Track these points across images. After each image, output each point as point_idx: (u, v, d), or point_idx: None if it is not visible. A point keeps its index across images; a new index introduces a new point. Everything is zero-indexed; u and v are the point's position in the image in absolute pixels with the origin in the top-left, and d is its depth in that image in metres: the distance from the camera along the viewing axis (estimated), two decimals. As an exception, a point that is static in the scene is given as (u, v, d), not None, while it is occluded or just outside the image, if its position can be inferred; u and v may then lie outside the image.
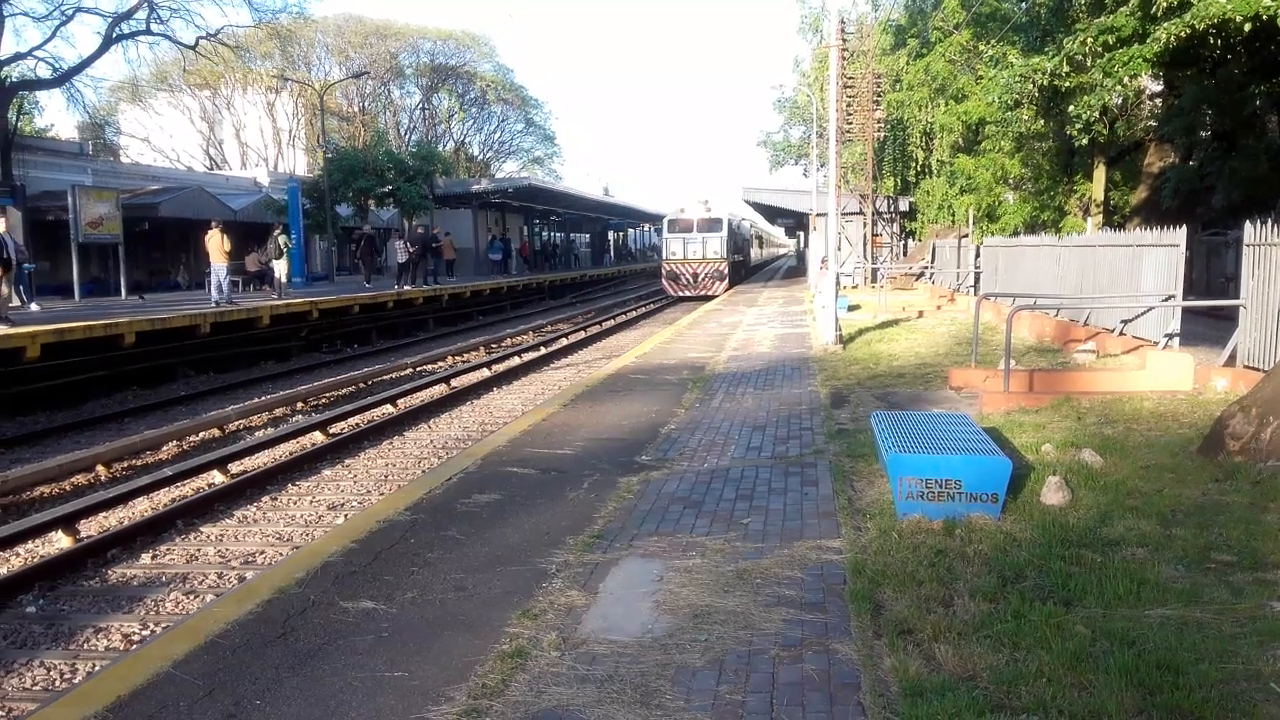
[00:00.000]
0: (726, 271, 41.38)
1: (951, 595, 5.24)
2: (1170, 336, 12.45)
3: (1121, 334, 13.97)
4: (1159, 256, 12.89)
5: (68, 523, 9.17)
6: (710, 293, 40.40)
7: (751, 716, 4.08)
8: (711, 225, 41.36)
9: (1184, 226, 12.67)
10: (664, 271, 42.62)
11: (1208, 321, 15.19)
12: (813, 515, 7.04)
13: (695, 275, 41.15)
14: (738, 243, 49.49)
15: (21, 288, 23.36)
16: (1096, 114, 19.57)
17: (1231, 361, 11.21)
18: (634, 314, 35.29)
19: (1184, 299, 12.61)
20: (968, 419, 8.31)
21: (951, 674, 4.32)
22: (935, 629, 4.78)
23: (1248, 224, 10.83)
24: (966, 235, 31.75)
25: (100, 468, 11.79)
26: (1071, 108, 19.64)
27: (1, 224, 18.39)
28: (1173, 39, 16.30)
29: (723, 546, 6.34)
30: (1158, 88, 27.59)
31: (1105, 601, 5.10)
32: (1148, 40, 17.02)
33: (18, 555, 8.70)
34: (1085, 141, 22.50)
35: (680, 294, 41.39)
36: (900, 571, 5.61)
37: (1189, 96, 23.13)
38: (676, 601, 5.39)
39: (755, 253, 74.70)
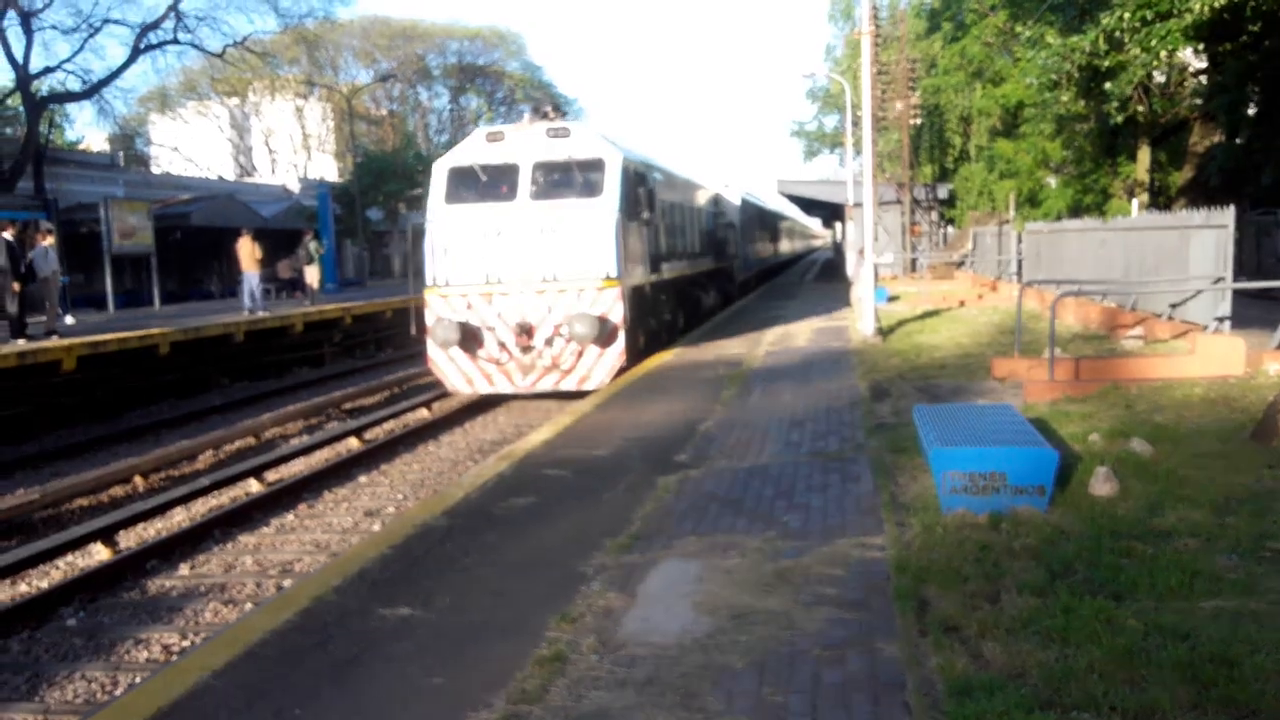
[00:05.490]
0: (621, 315, 14.99)
1: (998, 591, 5.12)
2: (1220, 320, 12.17)
3: (1170, 319, 13.70)
4: (1207, 238, 12.61)
5: (106, 535, 9.26)
6: (574, 380, 15.14)
7: (794, 718, 4.01)
8: (571, 177, 15.53)
9: (1232, 206, 12.39)
10: (430, 320, 15.13)
11: (1259, 304, 14.88)
12: (854, 512, 6.92)
13: (526, 330, 15.04)
14: (685, 232, 21.98)
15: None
16: (1131, 91, 19.29)
17: (1284, 344, 10.96)
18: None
19: (1234, 281, 12.35)
20: (1012, 410, 8.15)
21: (999, 671, 4.23)
22: (982, 626, 4.68)
23: None
24: (1007, 221, 31.37)
25: (138, 479, 11.88)
26: (1108, 85, 19.36)
27: (49, 240, 18.60)
28: (1208, 10, 16.03)
29: (762, 545, 6.24)
30: (1201, 65, 27.11)
31: (1157, 594, 4.97)
32: (1183, 13, 16.80)
33: (58, 568, 8.79)
34: (1121, 120, 22.20)
35: (482, 385, 15.42)
36: (945, 568, 5.49)
37: (1232, 72, 22.72)
38: (716, 602, 5.31)
39: (766, 248, 43.60)
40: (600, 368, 15.04)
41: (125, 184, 38.30)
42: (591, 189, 15.25)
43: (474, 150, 15.87)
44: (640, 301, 16.59)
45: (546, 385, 15.22)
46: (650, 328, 17.65)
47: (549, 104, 17.66)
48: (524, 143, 15.59)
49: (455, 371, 15.37)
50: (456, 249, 15.12)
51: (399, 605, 5.56)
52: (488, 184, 15.50)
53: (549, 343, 14.97)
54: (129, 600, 7.96)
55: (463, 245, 15.10)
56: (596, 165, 15.42)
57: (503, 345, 15.06)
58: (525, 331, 14.95)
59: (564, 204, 15.14)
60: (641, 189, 16.39)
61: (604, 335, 14.71)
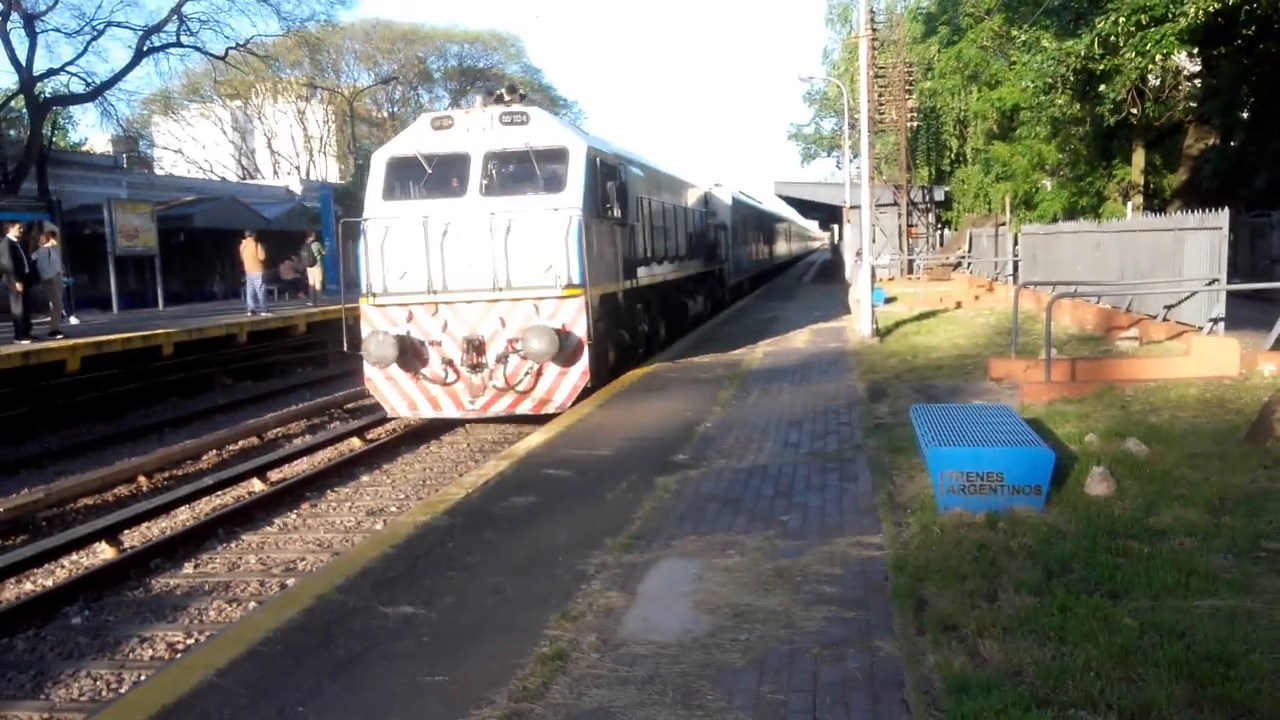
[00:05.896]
0: (586, 328, 12.93)
1: (995, 590, 5.16)
2: (1215, 321, 12.23)
3: (1165, 320, 13.75)
4: (1201, 240, 12.66)
5: (111, 534, 9.31)
6: (531, 404, 13.17)
7: (794, 716, 4.04)
8: (528, 170, 13.51)
9: (1226, 208, 12.45)
10: (366, 334, 13.27)
11: (1253, 305, 14.91)
12: (852, 511, 6.96)
13: (476, 345, 13.02)
14: (669, 233, 19.57)
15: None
16: (1126, 94, 19.41)
17: (1278, 345, 11.00)
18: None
19: (1228, 282, 12.39)
20: (1009, 410, 8.20)
21: (997, 670, 4.26)
22: (979, 624, 4.71)
23: None
24: (1004, 223, 31.47)
25: (142, 478, 11.93)
26: (1103, 88, 19.46)
27: (53, 241, 18.66)
28: (1202, 14, 16.13)
29: (762, 545, 6.28)
30: (1196, 68, 27.20)
31: (1153, 593, 5.00)
32: (1177, 17, 16.91)
33: (62, 567, 8.83)
34: (1114, 122, 22.27)
35: (426, 409, 13.42)
36: (942, 567, 5.53)
37: (1226, 76, 22.81)
38: (716, 601, 5.34)
39: (761, 250, 41.35)
40: (561, 389, 13.04)
41: (128, 185, 38.21)
42: (552, 183, 13.24)
43: (418, 138, 13.77)
44: (611, 312, 14.61)
45: (499, 409, 13.19)
46: (623, 341, 15.41)
47: (504, 86, 14.94)
48: (475, 130, 13.49)
49: (395, 393, 13.31)
50: (396, 252, 13.05)
51: (401, 604, 5.60)
52: (433, 177, 13.46)
53: (502, 360, 12.90)
54: (133, 599, 8.00)
55: (403, 248, 13.01)
56: (558, 156, 13.35)
57: (449, 363, 13.02)
58: (475, 347, 12.94)
59: (520, 200, 13.08)
60: (612, 184, 14.25)
61: (566, 351, 12.67)
